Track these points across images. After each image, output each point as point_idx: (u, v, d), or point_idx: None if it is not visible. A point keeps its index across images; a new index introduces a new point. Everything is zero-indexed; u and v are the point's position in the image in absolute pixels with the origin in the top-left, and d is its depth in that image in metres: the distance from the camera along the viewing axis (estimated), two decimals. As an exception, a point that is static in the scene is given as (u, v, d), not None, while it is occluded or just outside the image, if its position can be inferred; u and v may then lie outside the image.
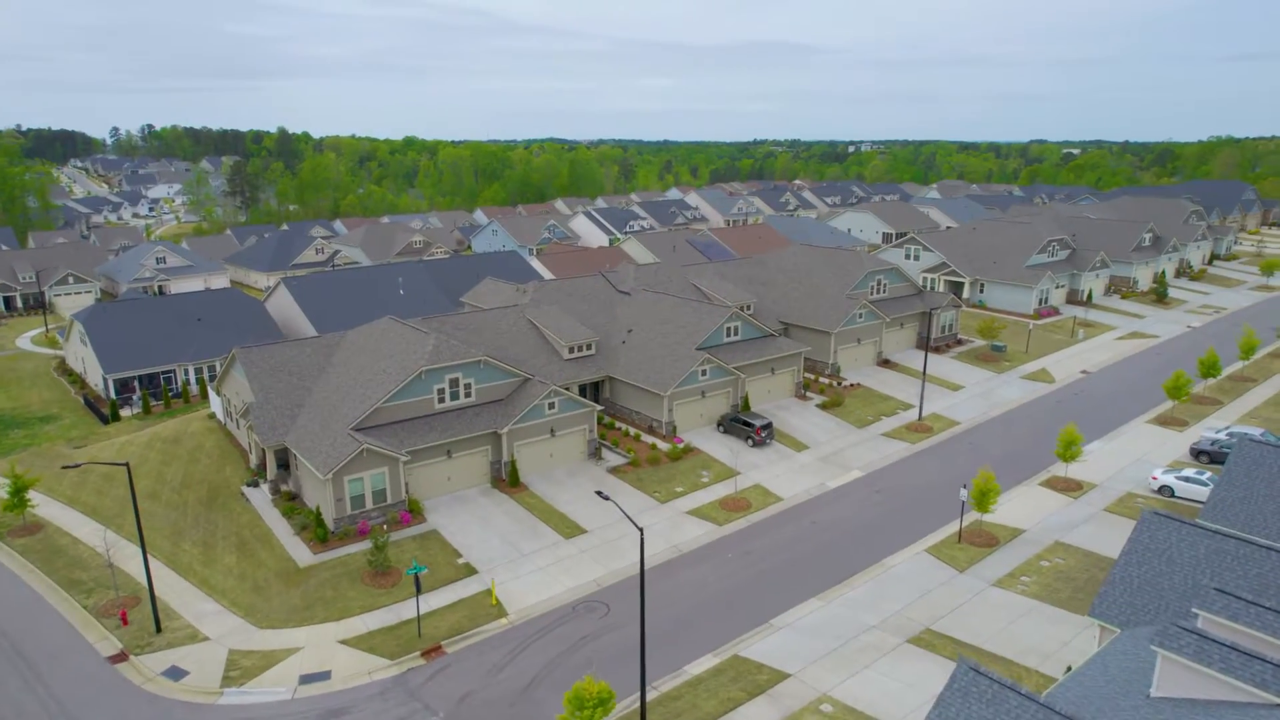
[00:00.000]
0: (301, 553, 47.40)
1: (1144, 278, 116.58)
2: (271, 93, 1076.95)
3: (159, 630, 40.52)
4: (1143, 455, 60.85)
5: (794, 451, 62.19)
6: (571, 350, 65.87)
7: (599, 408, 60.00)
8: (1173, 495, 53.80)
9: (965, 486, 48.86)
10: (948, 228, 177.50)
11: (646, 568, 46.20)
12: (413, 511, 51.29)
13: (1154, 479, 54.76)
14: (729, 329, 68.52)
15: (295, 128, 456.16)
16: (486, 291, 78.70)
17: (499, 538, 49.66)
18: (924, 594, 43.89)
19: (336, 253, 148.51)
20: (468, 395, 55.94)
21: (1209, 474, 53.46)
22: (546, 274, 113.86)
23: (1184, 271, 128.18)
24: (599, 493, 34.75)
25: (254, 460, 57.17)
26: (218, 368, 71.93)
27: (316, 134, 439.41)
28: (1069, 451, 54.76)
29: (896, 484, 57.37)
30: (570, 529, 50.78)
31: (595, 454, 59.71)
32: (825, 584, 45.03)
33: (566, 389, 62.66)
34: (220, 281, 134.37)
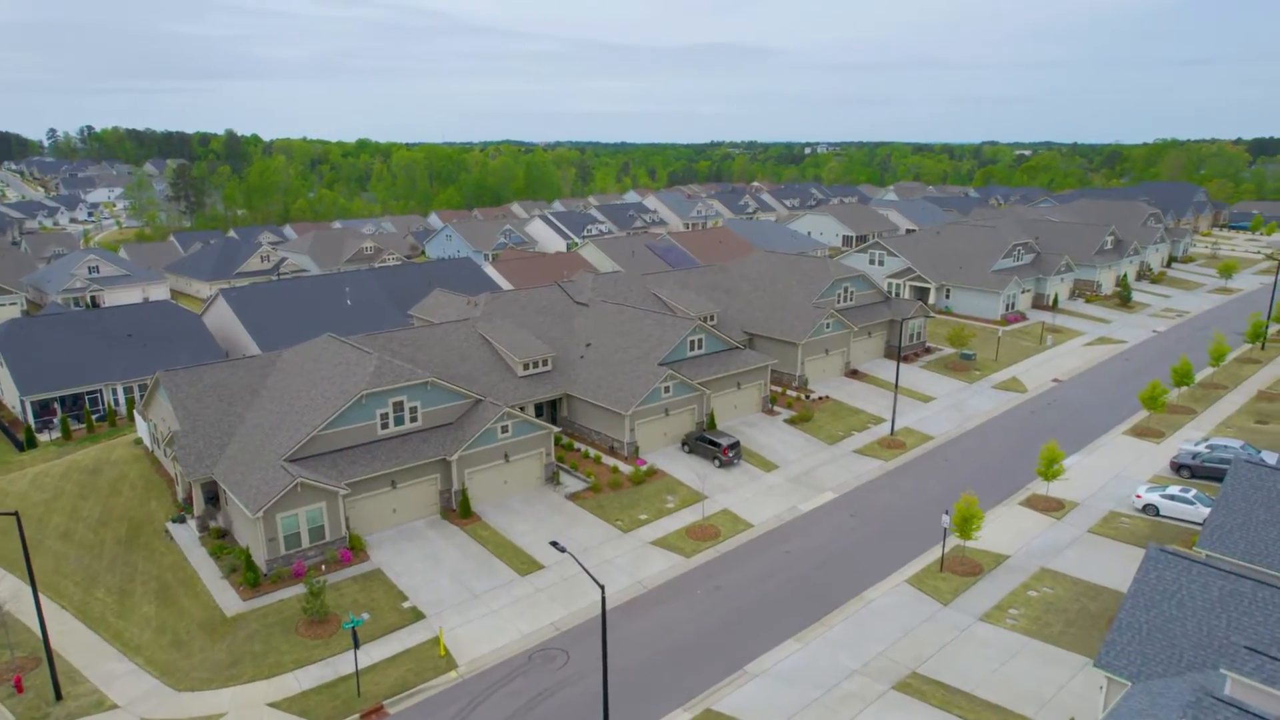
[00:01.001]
0: (230, 599, 43.01)
1: (1107, 281, 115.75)
2: (220, 94, 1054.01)
3: (59, 698, 35.94)
4: (1122, 470, 58.70)
5: (763, 472, 59.03)
6: (526, 367, 62.06)
7: (556, 429, 56.27)
8: (1158, 514, 51.58)
9: (947, 512, 46.02)
10: (908, 230, 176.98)
11: (609, 608, 42.75)
12: (354, 549, 47.09)
13: (1138, 497, 52.50)
14: (692, 342, 65.22)
15: (244, 130, 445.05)
16: (436, 304, 74.51)
17: (449, 576, 45.72)
18: (907, 632, 40.88)
19: (283, 260, 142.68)
20: (414, 420, 51.85)
21: (1194, 491, 51.30)
22: (502, 281, 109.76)
23: (1144, 274, 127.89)
24: (554, 544, 31.16)
25: (181, 493, 52.50)
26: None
27: (266, 136, 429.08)
28: (1051, 470, 52.29)
29: (871, 506, 54.46)
30: (526, 564, 46.99)
31: (553, 479, 55.98)
32: (802, 622, 41.82)
33: (521, 409, 59.04)
34: (159, 292, 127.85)
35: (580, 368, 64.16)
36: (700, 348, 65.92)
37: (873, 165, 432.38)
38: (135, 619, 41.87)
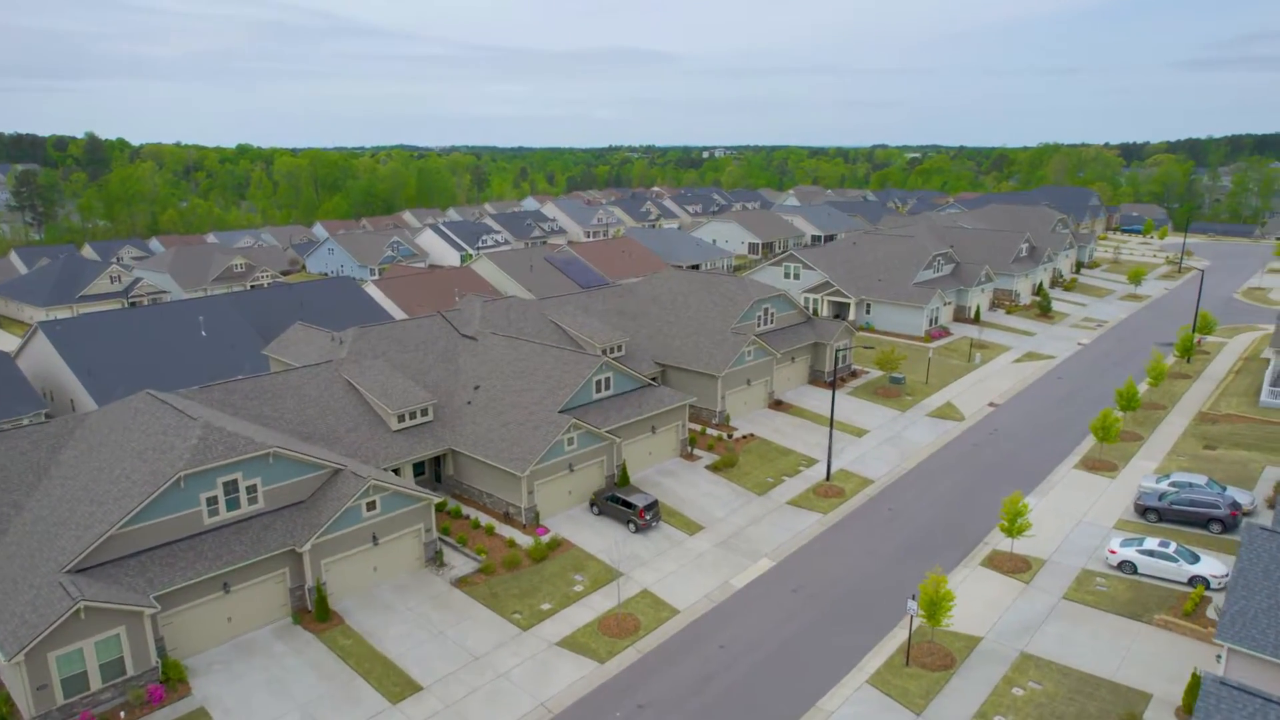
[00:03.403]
0: (-19, 776, 31.78)
1: (1024, 290, 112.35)
2: (81, 94, 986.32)
3: None
4: (1084, 514, 52.54)
5: (686, 535, 50.47)
6: (402, 419, 51.93)
7: (438, 497, 46.29)
8: (1135, 572, 45.27)
9: (913, 598, 38.36)
10: (814, 236, 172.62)
11: (505, 748, 33.40)
12: (171, 680, 36.26)
13: (1111, 552, 46.11)
14: (599, 382, 56.15)
15: (109, 134, 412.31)
16: (296, 341, 63.30)
17: (298, 711, 35.41)
18: (879, 759, 32.91)
19: (137, 281, 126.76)
20: (253, 501, 41.11)
21: (1175, 545, 45.19)
22: (385, 302, 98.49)
23: (1057, 281, 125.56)
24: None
25: (-61, 610, 40.36)
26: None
27: (135, 140, 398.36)
28: (1015, 526, 45.41)
29: (815, 576, 46.50)
30: (399, 685, 37.06)
31: (435, 559, 46.03)
32: (749, 754, 33.37)
33: (396, 471, 49.18)
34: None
35: (468, 416, 54.34)
36: (608, 388, 56.93)
37: (771, 169, 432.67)
38: None
